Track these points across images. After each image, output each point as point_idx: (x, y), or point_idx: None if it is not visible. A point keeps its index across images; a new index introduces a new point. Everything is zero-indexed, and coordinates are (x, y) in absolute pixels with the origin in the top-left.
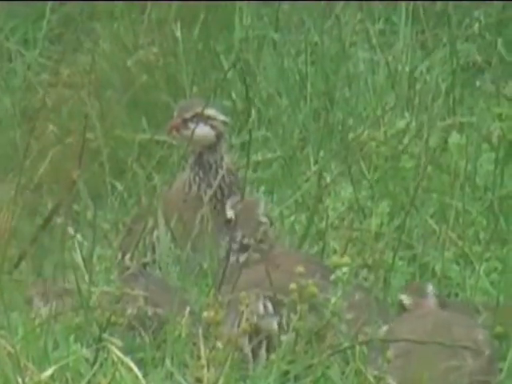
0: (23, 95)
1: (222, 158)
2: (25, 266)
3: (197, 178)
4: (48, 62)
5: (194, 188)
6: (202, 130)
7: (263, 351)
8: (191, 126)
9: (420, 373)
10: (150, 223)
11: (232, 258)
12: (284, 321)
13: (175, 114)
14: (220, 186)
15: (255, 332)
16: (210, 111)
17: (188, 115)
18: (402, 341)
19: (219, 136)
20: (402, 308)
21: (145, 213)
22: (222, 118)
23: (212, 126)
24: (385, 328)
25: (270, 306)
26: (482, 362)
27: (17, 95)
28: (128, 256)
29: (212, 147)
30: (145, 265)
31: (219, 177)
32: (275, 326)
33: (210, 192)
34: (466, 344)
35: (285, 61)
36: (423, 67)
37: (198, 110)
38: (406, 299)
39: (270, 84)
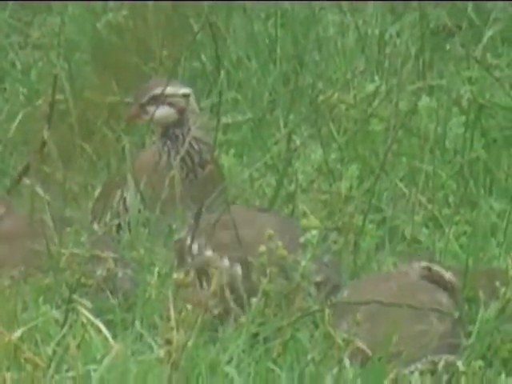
0: None
1: (188, 129)
2: None
3: (165, 148)
4: (18, 23)
5: (164, 157)
6: (162, 111)
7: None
8: (150, 109)
9: (387, 335)
10: (121, 185)
11: None
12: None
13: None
14: (189, 154)
15: None
16: (168, 90)
17: (144, 100)
18: (372, 303)
19: (181, 111)
20: None
21: (115, 176)
22: (181, 91)
23: (171, 104)
24: (346, 292)
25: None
26: (448, 325)
27: None
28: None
29: (177, 123)
30: (118, 226)
31: (184, 147)
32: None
33: (177, 159)
34: (439, 308)
35: (254, 24)
36: (393, 31)
37: (154, 92)
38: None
39: (239, 47)
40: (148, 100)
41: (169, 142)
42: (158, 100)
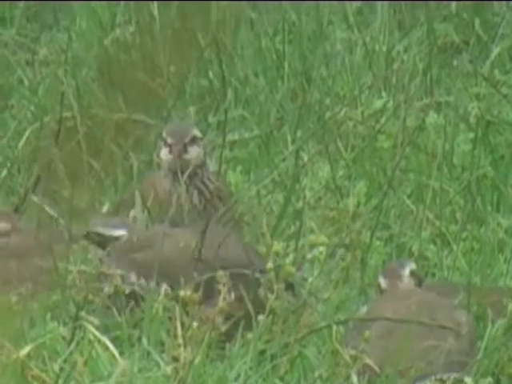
0: (0, 73)
1: (207, 168)
2: None
3: (191, 188)
4: (25, 40)
5: (183, 193)
6: (199, 151)
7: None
8: (190, 149)
9: (399, 352)
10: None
11: None
12: None
13: (170, 139)
14: (208, 187)
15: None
16: (197, 132)
17: (187, 140)
18: (380, 320)
19: (205, 152)
20: (380, 290)
21: (125, 194)
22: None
23: (200, 146)
24: (365, 308)
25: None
26: (464, 343)
27: None
28: None
29: (203, 163)
30: None
31: (201, 183)
32: None
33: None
34: (448, 325)
35: (262, 40)
36: (400, 47)
37: (193, 132)
38: (382, 282)
39: (246, 63)
40: (189, 140)
41: (187, 180)
42: (195, 141)
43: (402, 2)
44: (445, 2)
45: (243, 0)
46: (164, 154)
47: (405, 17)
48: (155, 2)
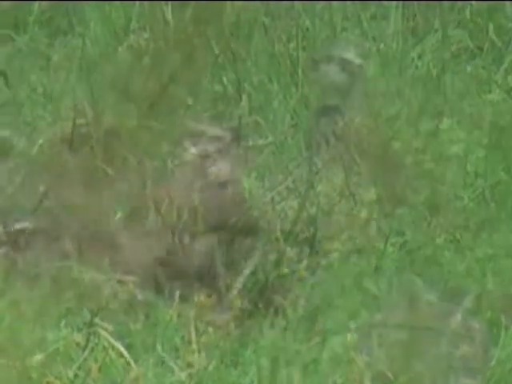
0: (14, 80)
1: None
2: None
3: None
4: (39, 46)
5: None
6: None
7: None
8: None
9: (412, 360)
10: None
11: None
12: None
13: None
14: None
15: None
16: None
17: None
18: (394, 327)
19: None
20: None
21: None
22: None
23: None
24: (378, 316)
25: None
26: (477, 349)
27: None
28: None
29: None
30: None
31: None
32: None
33: None
34: (461, 332)
35: (275, 46)
36: (414, 53)
37: None
38: None
39: (260, 69)
40: None
41: None
42: None
43: (416, 8)
44: (460, 2)
45: (257, 0)
46: None
47: (418, 23)
48: (169, 8)
